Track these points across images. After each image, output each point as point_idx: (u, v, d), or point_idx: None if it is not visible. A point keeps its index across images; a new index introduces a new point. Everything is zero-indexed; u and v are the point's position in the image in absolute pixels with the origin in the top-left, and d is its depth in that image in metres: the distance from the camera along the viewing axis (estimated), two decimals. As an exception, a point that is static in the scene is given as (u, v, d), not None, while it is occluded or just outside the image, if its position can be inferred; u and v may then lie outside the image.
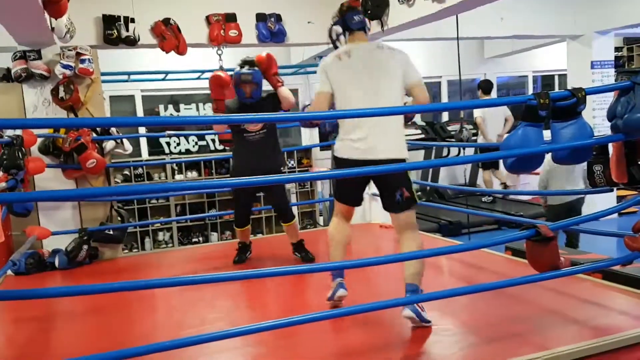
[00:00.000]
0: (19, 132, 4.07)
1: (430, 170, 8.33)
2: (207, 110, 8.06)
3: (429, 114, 9.23)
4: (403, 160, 2.76)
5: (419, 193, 8.18)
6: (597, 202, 6.27)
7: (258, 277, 3.37)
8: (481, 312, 2.97)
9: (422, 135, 8.17)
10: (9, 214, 4.06)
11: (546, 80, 10.27)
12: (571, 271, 2.81)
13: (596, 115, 7.15)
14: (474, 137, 7.81)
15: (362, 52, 2.84)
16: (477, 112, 7.71)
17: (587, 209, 5.22)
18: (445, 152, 8.41)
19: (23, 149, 4.06)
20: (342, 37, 2.93)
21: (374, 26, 5.31)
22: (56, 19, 3.91)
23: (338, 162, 2.90)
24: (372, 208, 5.84)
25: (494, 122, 7.70)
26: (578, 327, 2.72)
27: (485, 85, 7.76)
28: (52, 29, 4.02)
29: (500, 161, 7.17)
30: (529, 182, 8.83)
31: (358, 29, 2.92)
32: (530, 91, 9.98)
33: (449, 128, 8.28)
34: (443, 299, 2.71)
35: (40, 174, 4.37)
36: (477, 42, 9.00)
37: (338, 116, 2.95)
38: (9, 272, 4.12)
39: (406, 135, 7.73)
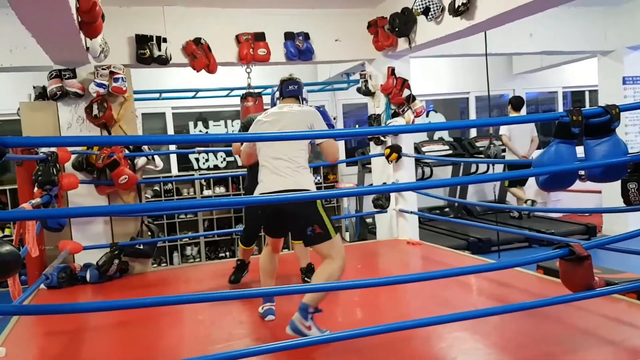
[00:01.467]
0: (53, 148, 4.17)
1: (458, 186, 8.24)
2: (235, 126, 8.16)
3: (457, 130, 9.17)
4: (308, 203, 2.91)
5: (438, 211, 8.12)
6: (631, 221, 6.12)
7: (283, 294, 3.40)
8: (512, 333, 2.90)
9: (450, 151, 8.10)
10: (43, 228, 4.15)
11: (576, 96, 10.10)
12: (606, 291, 2.73)
13: (629, 132, 7.00)
14: (503, 154, 7.70)
15: (277, 115, 3.17)
16: (503, 130, 7.61)
17: (621, 228, 5.10)
18: (473, 169, 8.31)
19: (57, 165, 4.17)
20: (277, 101, 3.34)
21: (401, 43, 5.39)
22: (91, 39, 4.03)
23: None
24: (399, 224, 5.81)
25: (520, 141, 7.58)
26: (613, 349, 2.64)
27: (516, 102, 7.67)
28: (87, 48, 4.14)
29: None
30: (560, 199, 8.66)
31: (288, 96, 3.29)
32: (560, 107, 9.82)
33: (477, 144, 8.19)
34: (475, 319, 2.66)
35: (73, 190, 4.48)
36: (506, 57, 8.92)
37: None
38: (42, 285, 4.21)
39: (434, 151, 7.69)
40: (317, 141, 3.08)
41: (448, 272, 2.73)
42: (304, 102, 3.35)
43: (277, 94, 3.36)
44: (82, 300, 4.22)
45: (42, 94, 4.91)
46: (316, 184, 7.61)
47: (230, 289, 4.12)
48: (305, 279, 4.12)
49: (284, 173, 2.98)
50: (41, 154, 4.06)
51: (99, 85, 4.59)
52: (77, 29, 3.53)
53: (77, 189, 4.48)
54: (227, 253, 7.52)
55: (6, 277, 1.77)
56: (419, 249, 5.30)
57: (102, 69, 4.63)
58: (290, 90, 3.29)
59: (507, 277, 3.85)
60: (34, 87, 5.07)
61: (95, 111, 4.64)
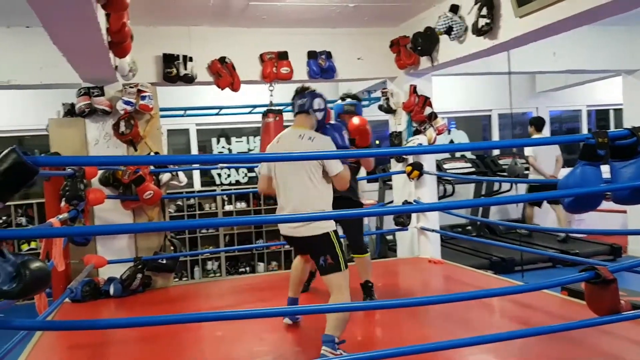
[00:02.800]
0: (81, 164, 4.25)
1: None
2: (256, 142, 8.23)
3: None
4: (320, 236, 2.98)
5: (460, 229, 8.04)
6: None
7: (302, 313, 3.40)
8: (536, 356, 2.86)
9: (472, 169, 8.04)
10: (69, 242, 4.23)
11: (601, 115, 9.97)
12: (632, 315, 2.67)
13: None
14: (526, 172, 7.62)
15: (287, 142, 3.15)
16: (528, 152, 7.53)
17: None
18: (496, 187, 8.23)
19: (84, 181, 4.26)
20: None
21: (423, 62, 5.41)
22: (120, 58, 4.13)
23: None
24: (420, 241, 5.77)
25: (545, 160, 7.50)
26: (641, 375, 2.58)
27: (538, 122, 7.60)
28: (116, 67, 4.24)
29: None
30: (584, 218, 8.51)
31: (298, 112, 3.20)
32: (585, 126, 9.70)
33: (501, 162, 8.13)
34: (498, 342, 2.63)
35: (100, 205, 4.56)
36: (529, 75, 8.88)
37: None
38: (67, 299, 4.27)
39: (456, 168, 7.62)
40: (332, 173, 3.05)
41: (471, 294, 2.70)
42: (315, 113, 3.20)
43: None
44: (105, 314, 4.28)
45: (70, 111, 5.03)
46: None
47: (249, 306, 4.13)
48: (365, 296, 4.04)
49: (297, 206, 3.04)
50: (69, 169, 4.15)
51: (127, 102, 4.69)
52: (107, 48, 3.63)
53: (103, 204, 4.56)
54: (247, 268, 7.55)
55: (36, 293, 1.81)
56: (441, 268, 5.26)
57: (130, 87, 4.73)
58: (300, 105, 3.20)
59: (531, 298, 3.79)
60: (63, 104, 5.20)
61: (122, 128, 4.74)
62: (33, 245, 6.69)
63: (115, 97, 4.77)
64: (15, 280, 1.65)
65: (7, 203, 6.74)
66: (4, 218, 6.69)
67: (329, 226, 3.01)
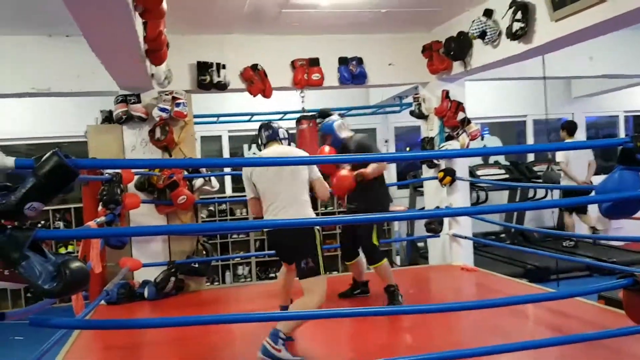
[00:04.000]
0: (118, 169, 4.36)
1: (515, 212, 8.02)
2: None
3: (513, 154, 8.96)
4: (310, 228, 3.17)
5: (494, 236, 7.89)
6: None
7: (325, 317, 3.39)
8: (573, 365, 2.79)
9: (506, 175, 7.91)
10: (105, 245, 4.34)
11: (639, 121, 9.70)
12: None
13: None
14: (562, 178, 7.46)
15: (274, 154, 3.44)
16: (559, 156, 7.37)
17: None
18: (530, 194, 8.08)
19: (121, 186, 4.37)
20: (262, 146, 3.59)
21: (456, 66, 5.37)
22: (156, 66, 4.23)
23: None
24: (452, 249, 5.70)
25: (577, 166, 7.32)
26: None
27: (571, 127, 7.43)
28: (152, 75, 4.35)
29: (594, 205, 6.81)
30: (622, 226, 8.26)
31: (269, 140, 3.53)
32: (622, 132, 9.44)
33: (535, 168, 7.97)
34: (533, 349, 2.58)
35: (135, 209, 4.66)
36: (565, 80, 8.69)
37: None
38: (102, 301, 4.37)
39: (489, 175, 7.50)
40: (312, 178, 3.31)
41: (505, 300, 2.66)
42: (284, 141, 3.53)
43: (259, 140, 3.60)
44: (139, 316, 4.36)
45: (108, 118, 5.17)
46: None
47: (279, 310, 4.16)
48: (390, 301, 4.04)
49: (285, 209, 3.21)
50: (106, 174, 4.26)
51: (162, 109, 4.80)
52: (144, 56, 3.73)
53: (138, 208, 4.66)
54: (277, 273, 7.57)
55: (75, 292, 1.87)
56: (474, 276, 5.18)
57: (165, 94, 4.84)
58: (265, 136, 3.54)
59: (567, 306, 3.70)
60: (101, 111, 5.35)
61: (157, 134, 4.85)
62: (70, 248, 6.87)
63: (151, 104, 4.89)
64: (55, 280, 1.71)
65: (46, 207, 6.96)
66: (42, 222, 6.89)
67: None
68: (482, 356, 2.57)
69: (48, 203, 1.84)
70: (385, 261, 4.06)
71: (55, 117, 7.16)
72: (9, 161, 1.71)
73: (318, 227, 3.19)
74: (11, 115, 6.94)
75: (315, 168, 3.36)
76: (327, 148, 4.00)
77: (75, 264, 1.75)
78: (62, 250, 6.86)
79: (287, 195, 3.22)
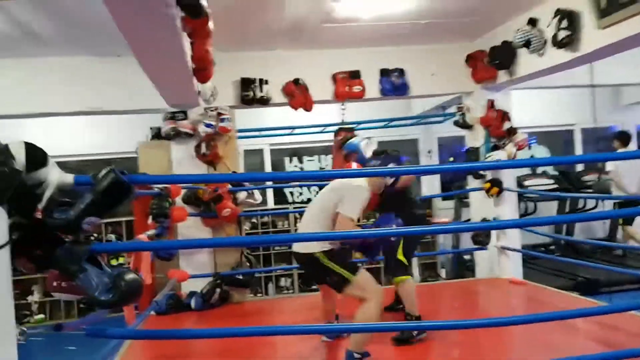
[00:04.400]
0: (167, 184, 4.49)
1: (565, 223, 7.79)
2: (328, 161, 8.33)
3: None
4: (311, 255, 3.16)
5: (543, 248, 7.67)
6: None
7: (367, 331, 3.37)
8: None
9: (555, 186, 7.69)
10: (154, 257, 4.47)
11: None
12: None
13: None
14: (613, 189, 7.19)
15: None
16: (609, 166, 7.12)
17: None
18: (580, 204, 7.82)
19: (169, 200, 4.50)
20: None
21: (501, 75, 5.30)
22: (202, 84, 4.36)
23: None
24: (500, 261, 5.57)
25: (628, 176, 7.04)
26: None
27: (624, 136, 7.17)
28: (199, 92, 4.48)
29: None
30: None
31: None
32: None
33: (585, 178, 7.72)
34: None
35: (182, 222, 4.79)
36: (614, 87, 8.41)
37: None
38: (152, 312, 4.49)
39: (537, 185, 7.29)
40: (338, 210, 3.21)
41: (556, 314, 2.59)
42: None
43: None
44: (187, 326, 4.45)
45: (157, 134, 5.35)
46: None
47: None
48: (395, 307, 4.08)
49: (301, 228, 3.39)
50: (156, 189, 4.40)
51: (208, 125, 4.93)
52: (191, 75, 3.85)
53: (185, 221, 4.78)
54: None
55: (130, 303, 1.94)
56: (523, 289, 5.05)
57: (211, 110, 4.98)
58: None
59: (620, 320, 3.55)
60: (151, 128, 5.54)
61: (203, 149, 4.98)
62: (121, 260, 7.09)
63: (198, 120, 5.02)
64: (111, 291, 1.78)
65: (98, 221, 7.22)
66: (95, 235, 7.14)
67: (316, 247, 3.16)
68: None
69: (105, 217, 1.93)
70: (408, 278, 3.77)
71: (106, 134, 7.43)
72: (68, 178, 1.80)
73: (323, 250, 3.13)
74: (65, 132, 7.25)
75: (348, 204, 3.18)
76: (354, 164, 3.93)
77: (130, 276, 1.82)
78: (114, 262, 7.08)
79: (307, 216, 3.41)
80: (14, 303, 1.68)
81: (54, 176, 1.74)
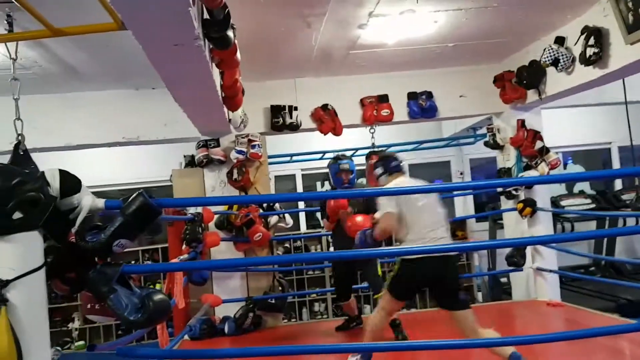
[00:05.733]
0: (200, 209, 4.62)
1: (605, 242, 7.54)
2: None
3: (600, 183, 8.48)
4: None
5: (582, 269, 7.42)
6: None
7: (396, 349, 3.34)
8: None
9: (593, 205, 7.48)
10: (188, 282, 4.55)
11: None
12: None
13: None
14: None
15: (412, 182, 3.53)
16: None
17: None
18: (620, 223, 7.57)
19: (202, 225, 4.60)
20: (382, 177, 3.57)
21: (530, 95, 5.27)
22: (233, 112, 4.49)
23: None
24: (537, 283, 5.43)
25: None
26: None
27: None
28: (229, 120, 4.61)
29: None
30: None
31: (397, 171, 3.53)
32: None
33: (624, 197, 7.49)
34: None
35: (215, 247, 4.87)
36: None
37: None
38: (186, 336, 4.56)
39: (574, 205, 7.11)
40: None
41: (591, 331, 2.52)
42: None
43: (381, 170, 3.54)
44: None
45: (191, 162, 5.51)
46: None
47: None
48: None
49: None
50: (189, 214, 4.51)
51: (239, 152, 5.05)
52: (221, 103, 3.98)
53: (218, 246, 4.87)
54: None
55: (158, 323, 2.00)
56: (561, 311, 4.90)
57: (242, 137, 5.11)
58: (397, 165, 3.55)
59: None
60: (185, 156, 5.70)
61: (235, 175, 5.09)
62: (158, 286, 7.23)
63: (229, 148, 5.16)
64: (140, 311, 1.85)
65: (136, 248, 7.40)
66: (132, 262, 7.32)
67: None
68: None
69: (135, 241, 2.01)
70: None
71: (144, 163, 7.68)
72: (100, 202, 1.90)
73: None
74: (104, 163, 7.53)
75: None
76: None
77: (158, 296, 1.89)
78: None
79: (436, 219, 3.28)
80: (49, 324, 1.76)
81: (86, 201, 1.84)
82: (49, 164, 1.88)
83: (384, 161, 3.58)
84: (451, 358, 3.50)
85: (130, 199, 1.88)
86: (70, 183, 1.81)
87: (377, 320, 3.33)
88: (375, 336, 3.29)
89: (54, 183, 1.78)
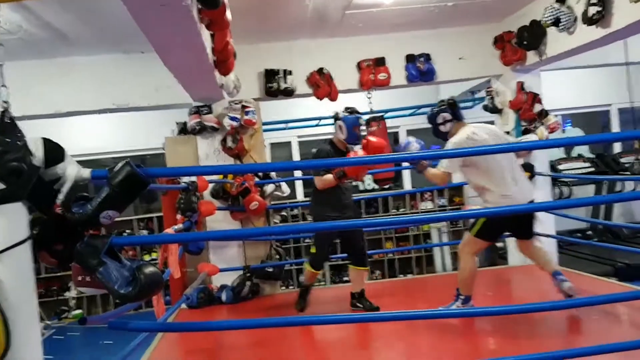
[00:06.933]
0: (194, 178, 4.53)
1: (603, 207, 7.53)
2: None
3: (599, 146, 8.41)
4: None
5: (580, 234, 7.44)
6: None
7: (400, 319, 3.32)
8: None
9: (591, 169, 7.44)
10: (184, 252, 4.50)
11: None
12: None
13: None
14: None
15: (485, 131, 3.73)
16: None
17: None
18: (618, 187, 7.55)
19: (197, 194, 4.52)
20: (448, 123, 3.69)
21: (531, 57, 5.14)
22: (225, 76, 4.35)
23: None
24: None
25: None
26: None
27: None
28: (222, 85, 4.48)
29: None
30: None
31: (461, 119, 3.73)
32: None
33: (622, 160, 7.44)
34: (623, 351, 2.39)
35: (211, 216, 4.81)
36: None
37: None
38: (183, 305, 4.54)
39: (572, 169, 7.07)
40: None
41: (593, 299, 2.48)
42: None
43: (450, 117, 3.64)
44: (218, 319, 4.48)
45: (183, 129, 5.38)
46: (440, 206, 7.56)
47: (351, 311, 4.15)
48: (358, 304, 4.17)
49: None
50: (183, 183, 4.43)
51: (232, 118, 4.92)
52: (213, 67, 3.85)
53: (214, 215, 4.80)
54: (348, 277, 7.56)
55: (150, 296, 1.94)
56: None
57: (235, 103, 4.97)
58: (460, 114, 3.72)
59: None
60: (177, 123, 5.57)
61: (229, 143, 4.98)
62: (154, 255, 7.20)
63: (222, 114, 5.03)
64: (131, 284, 1.79)
65: (130, 217, 7.34)
66: (128, 231, 7.28)
67: None
68: (572, 358, 2.42)
69: (123, 210, 1.93)
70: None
71: (137, 131, 7.55)
72: (85, 172, 1.81)
73: None
74: (96, 131, 7.40)
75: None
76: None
77: (149, 269, 1.82)
78: (147, 258, 7.20)
79: (518, 176, 3.69)
80: (45, 293, 1.69)
81: (71, 171, 1.75)
82: (38, 133, 1.78)
83: (453, 108, 3.63)
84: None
85: (116, 169, 1.79)
86: (54, 152, 1.72)
87: (472, 264, 3.65)
88: (474, 279, 3.65)
89: (38, 152, 1.68)
